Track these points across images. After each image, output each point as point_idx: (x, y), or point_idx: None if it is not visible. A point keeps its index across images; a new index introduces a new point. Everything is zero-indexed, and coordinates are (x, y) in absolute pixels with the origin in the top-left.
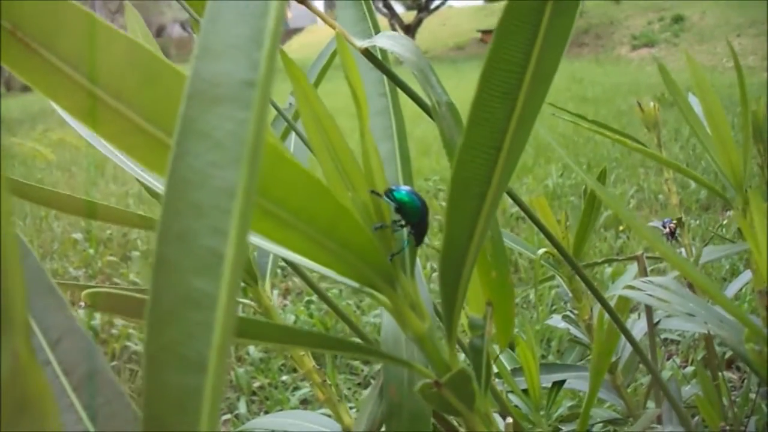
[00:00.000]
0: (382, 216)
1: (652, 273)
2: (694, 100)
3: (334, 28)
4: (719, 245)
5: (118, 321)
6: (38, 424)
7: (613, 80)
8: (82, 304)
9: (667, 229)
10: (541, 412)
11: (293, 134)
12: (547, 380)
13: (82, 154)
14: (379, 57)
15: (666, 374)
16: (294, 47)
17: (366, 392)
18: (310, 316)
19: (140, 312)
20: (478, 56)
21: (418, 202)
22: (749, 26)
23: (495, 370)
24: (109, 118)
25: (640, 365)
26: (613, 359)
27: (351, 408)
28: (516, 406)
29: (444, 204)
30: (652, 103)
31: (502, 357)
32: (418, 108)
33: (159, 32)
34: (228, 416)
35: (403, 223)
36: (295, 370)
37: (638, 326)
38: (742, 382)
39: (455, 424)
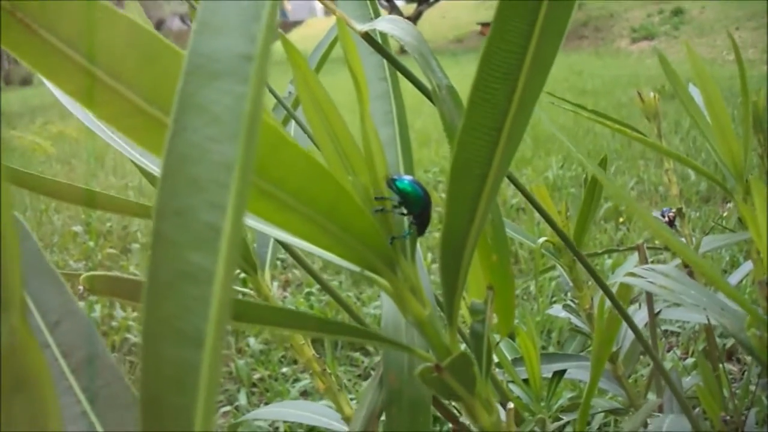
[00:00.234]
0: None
1: (653, 264)
2: (694, 91)
3: (334, 12)
4: (719, 234)
5: (118, 313)
6: (35, 401)
7: (612, 73)
8: (81, 287)
9: (667, 219)
10: (542, 402)
11: (293, 123)
12: (548, 370)
13: (82, 147)
14: (380, 41)
15: (666, 366)
16: (293, 40)
17: (366, 383)
18: (311, 307)
19: (138, 295)
20: (478, 49)
21: (421, 192)
22: (748, 19)
23: (495, 359)
24: (109, 99)
25: (641, 356)
26: (614, 349)
27: (351, 399)
28: (517, 396)
29: (444, 195)
30: (652, 94)
31: (502, 347)
32: (418, 99)
33: (159, 25)
34: (228, 408)
35: (405, 212)
36: (295, 362)
37: (639, 316)
38: (743, 374)
39: (455, 412)
